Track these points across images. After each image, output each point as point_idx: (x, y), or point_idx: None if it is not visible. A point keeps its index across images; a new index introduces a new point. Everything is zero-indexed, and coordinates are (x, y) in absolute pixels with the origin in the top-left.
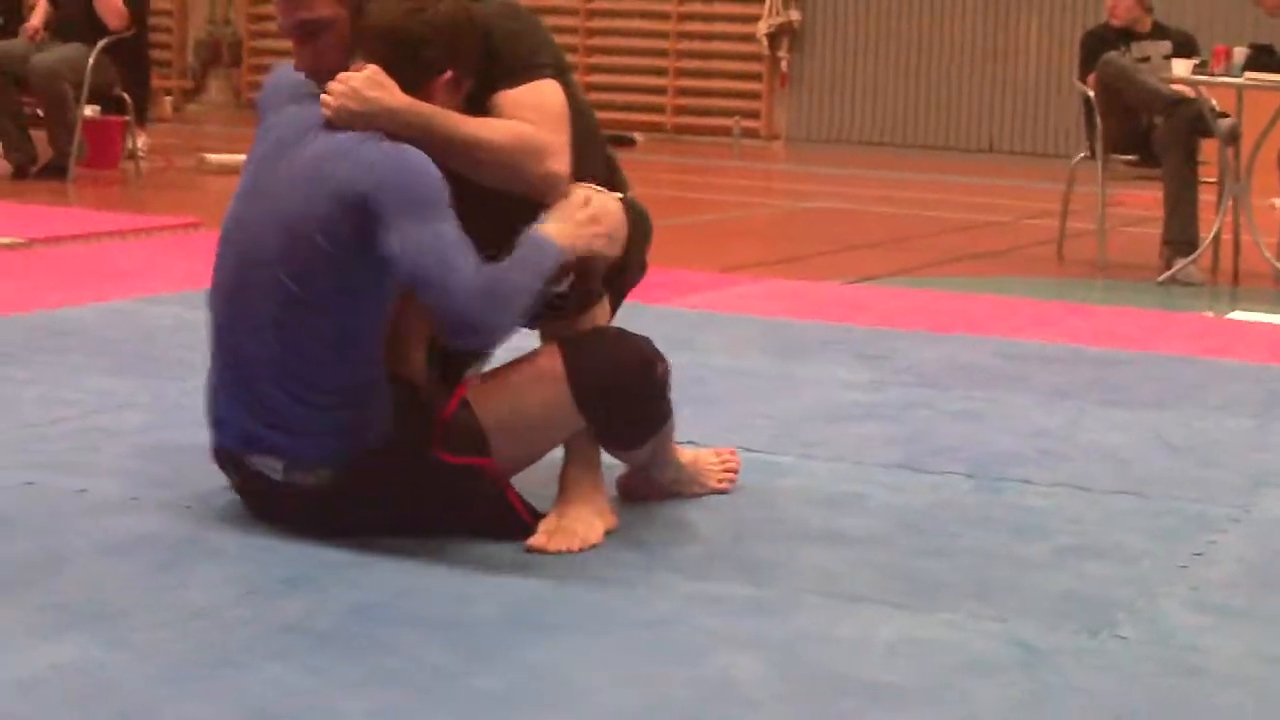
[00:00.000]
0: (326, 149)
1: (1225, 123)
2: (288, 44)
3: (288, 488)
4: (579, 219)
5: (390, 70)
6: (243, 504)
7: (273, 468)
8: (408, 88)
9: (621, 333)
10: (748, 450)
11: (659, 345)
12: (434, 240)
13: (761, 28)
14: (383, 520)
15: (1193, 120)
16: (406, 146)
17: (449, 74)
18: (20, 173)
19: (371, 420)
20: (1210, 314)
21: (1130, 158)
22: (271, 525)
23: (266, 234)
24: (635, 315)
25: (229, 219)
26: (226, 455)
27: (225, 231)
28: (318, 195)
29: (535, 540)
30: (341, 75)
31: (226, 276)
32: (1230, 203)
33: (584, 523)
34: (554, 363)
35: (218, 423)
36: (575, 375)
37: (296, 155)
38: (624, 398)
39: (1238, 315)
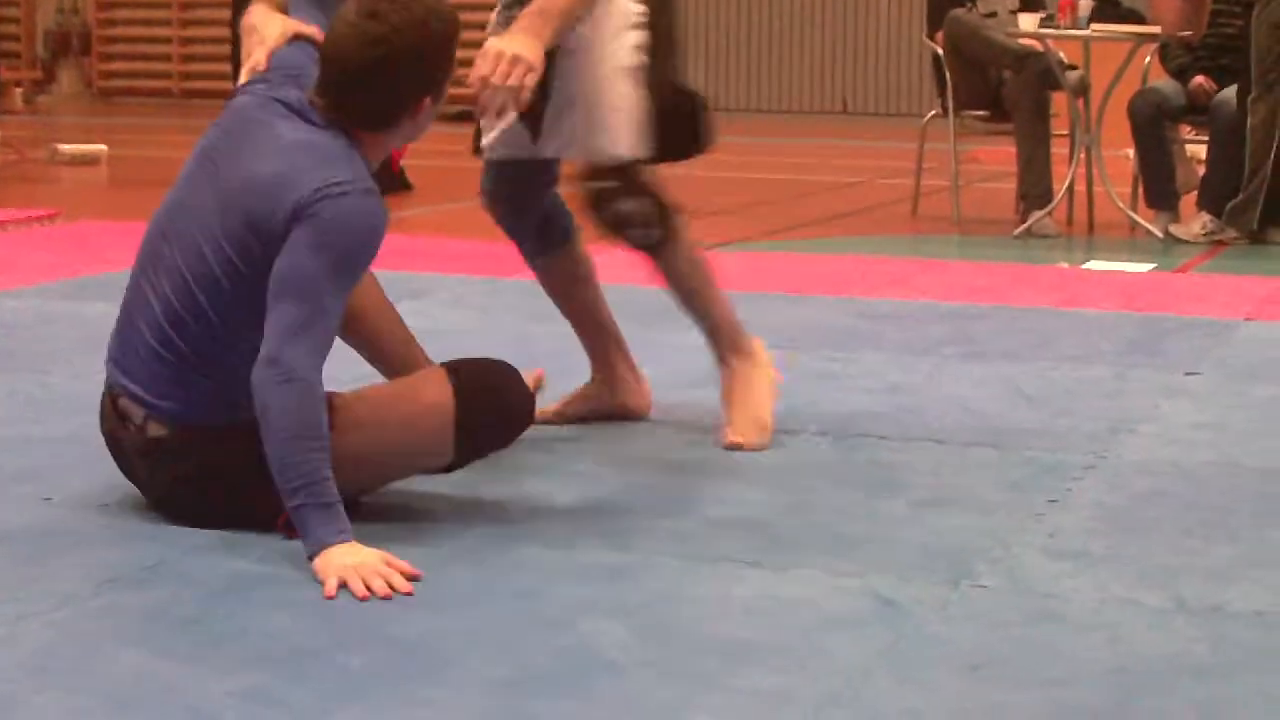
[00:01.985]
0: (280, 179)
1: (1073, 75)
2: (139, 32)
3: (139, 436)
4: None
5: (364, 113)
6: (102, 489)
7: (135, 414)
8: (382, 125)
9: (509, 372)
10: (607, 418)
11: (522, 317)
12: (313, 307)
13: None
14: (192, 494)
15: (1041, 74)
16: (372, 204)
17: (425, 100)
18: None
19: (234, 399)
20: (1066, 265)
21: (981, 113)
22: (135, 511)
23: (209, 203)
24: (497, 288)
25: (190, 164)
26: (107, 393)
27: (183, 175)
28: (259, 220)
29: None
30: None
31: (164, 213)
32: (1082, 154)
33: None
34: (443, 398)
35: (108, 358)
36: (464, 415)
37: (247, 156)
38: (502, 438)
39: (1093, 265)
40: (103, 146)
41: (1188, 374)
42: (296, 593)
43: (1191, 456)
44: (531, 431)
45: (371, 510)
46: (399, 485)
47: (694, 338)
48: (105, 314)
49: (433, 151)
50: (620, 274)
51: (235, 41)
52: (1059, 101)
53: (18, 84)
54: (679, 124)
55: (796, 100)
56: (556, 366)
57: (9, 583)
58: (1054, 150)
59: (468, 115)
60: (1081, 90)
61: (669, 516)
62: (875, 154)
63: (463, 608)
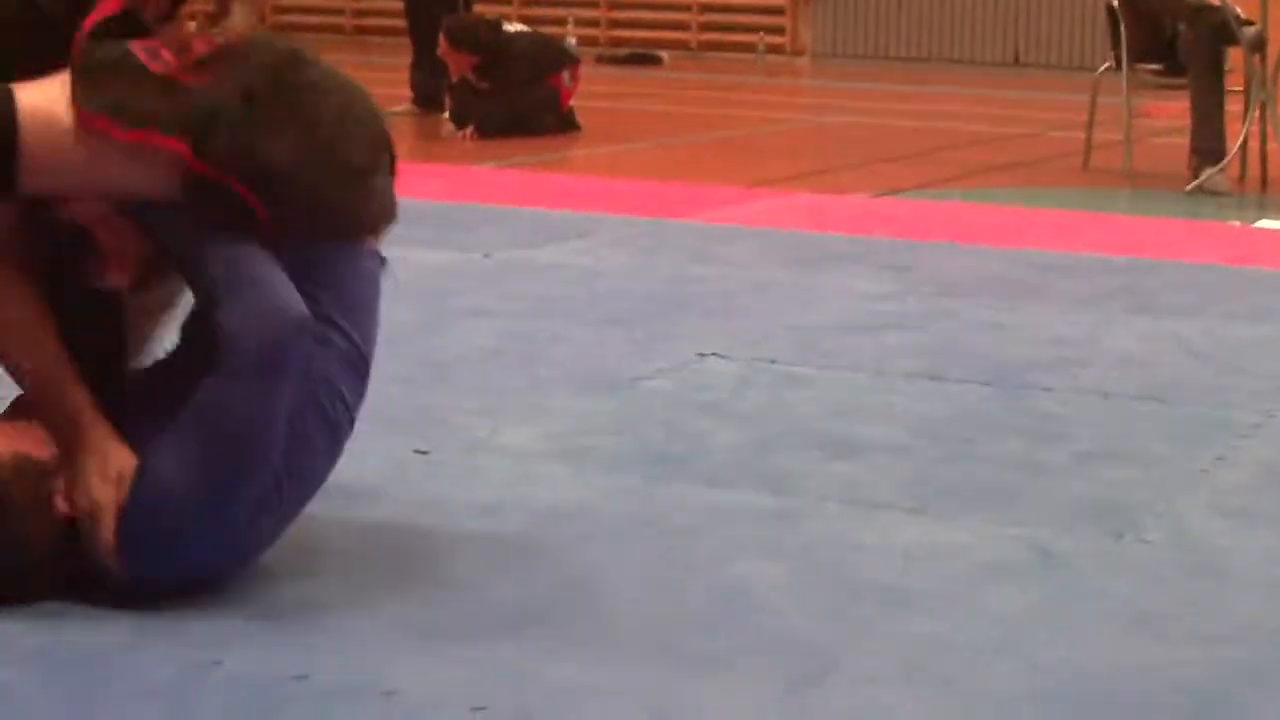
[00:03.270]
0: None
1: (1250, 30)
2: None
3: None
4: None
5: None
6: None
7: None
8: None
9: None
10: (770, 362)
11: (683, 259)
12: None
13: None
14: None
15: (1217, 28)
16: None
17: None
18: None
19: None
20: (1237, 222)
21: (1155, 67)
22: None
23: None
24: (660, 230)
25: None
26: None
27: None
28: None
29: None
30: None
31: None
32: (1256, 111)
33: None
34: None
35: None
36: None
37: None
38: None
39: (1265, 224)
40: None
41: None
42: (463, 523)
43: None
44: (688, 371)
45: (522, 441)
46: (558, 416)
47: (851, 283)
48: None
49: (601, 94)
50: (782, 219)
51: None
52: (1234, 56)
53: (192, 17)
54: None
55: (969, 50)
56: (718, 307)
57: None
58: (1228, 106)
59: (637, 58)
60: (1258, 45)
61: (831, 461)
62: (1047, 105)
63: (622, 544)
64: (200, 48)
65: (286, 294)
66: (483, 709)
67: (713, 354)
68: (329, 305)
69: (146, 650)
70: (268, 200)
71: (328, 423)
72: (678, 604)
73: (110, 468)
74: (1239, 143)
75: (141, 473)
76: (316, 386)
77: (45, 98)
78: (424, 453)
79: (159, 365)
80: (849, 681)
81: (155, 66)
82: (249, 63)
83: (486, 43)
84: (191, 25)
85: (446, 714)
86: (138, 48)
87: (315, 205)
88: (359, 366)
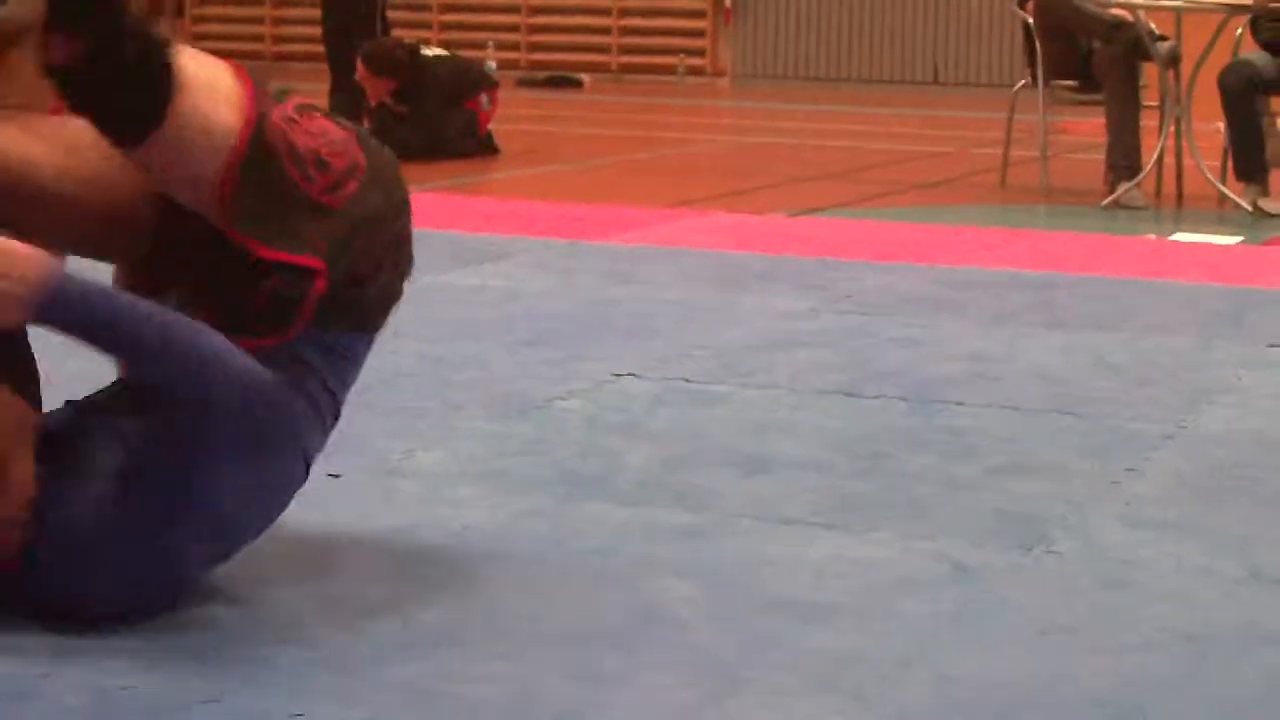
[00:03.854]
0: None
1: (1164, 46)
2: None
3: None
4: None
5: None
6: None
7: None
8: None
9: None
10: (685, 381)
11: (602, 279)
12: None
13: None
14: None
15: (1132, 44)
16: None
17: None
18: None
19: None
20: (1153, 236)
21: (1071, 83)
22: None
23: None
24: (578, 251)
25: None
26: None
27: None
28: None
29: None
30: None
31: None
32: (1172, 125)
33: None
34: None
35: None
36: None
37: None
38: None
39: (1180, 237)
40: None
41: (1271, 345)
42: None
43: (1272, 427)
44: (603, 392)
45: (435, 463)
46: (472, 438)
47: (768, 301)
48: None
49: (522, 116)
50: (701, 239)
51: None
52: (1149, 72)
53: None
54: None
55: (889, 70)
56: (635, 327)
57: None
58: (1143, 121)
59: (557, 81)
60: (1172, 61)
61: (745, 478)
62: (965, 124)
63: (534, 564)
64: (337, 165)
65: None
66: None
67: (628, 374)
68: (329, 376)
69: (60, 678)
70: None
71: (291, 479)
72: (591, 622)
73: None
74: (1155, 157)
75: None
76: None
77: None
78: (336, 476)
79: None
80: (759, 695)
81: (305, 187)
82: (373, 186)
83: (404, 67)
84: None
85: None
86: (290, 163)
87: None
88: (328, 429)
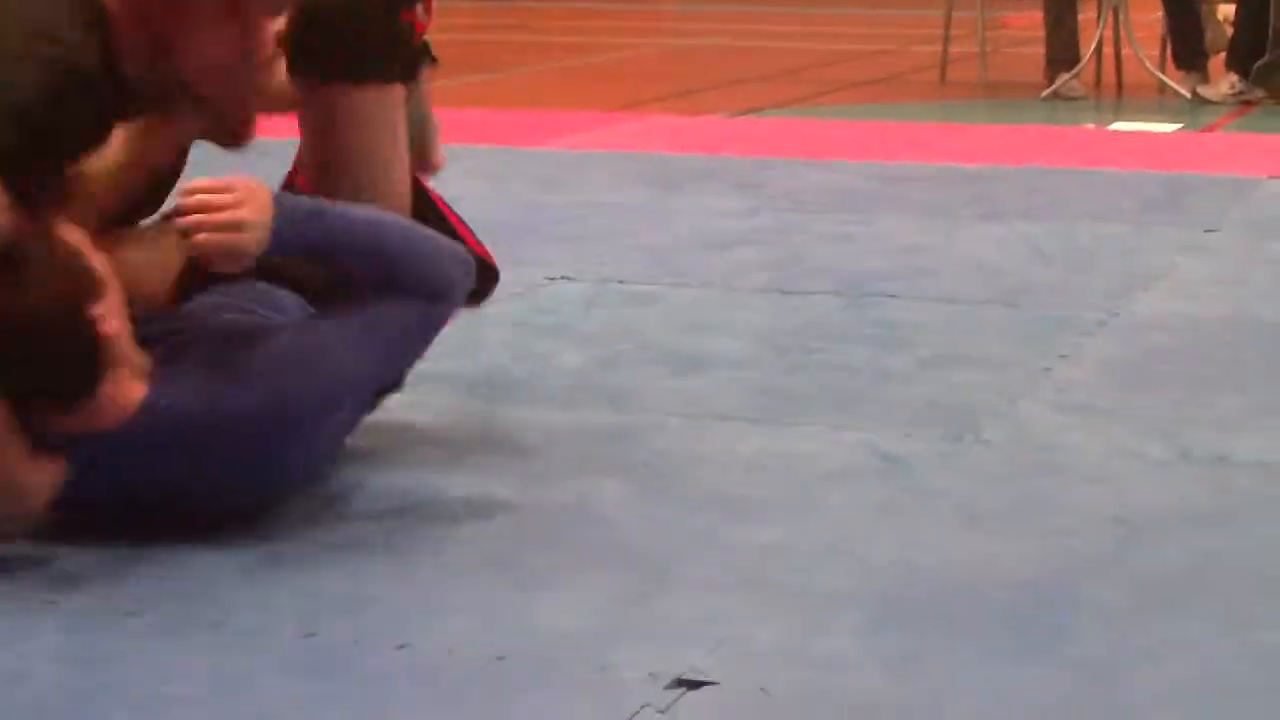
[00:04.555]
0: None
1: None
2: None
3: None
4: None
5: None
6: None
7: None
8: None
9: None
10: (619, 283)
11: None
12: None
13: None
14: None
15: None
16: None
17: None
18: None
19: None
20: (1092, 126)
21: None
22: None
23: None
24: (514, 158)
25: None
26: None
27: None
28: None
29: None
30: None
31: None
32: (1110, 16)
33: None
34: None
35: None
36: None
37: None
38: None
39: (1120, 126)
40: None
41: (1207, 231)
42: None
43: (1206, 311)
44: (535, 295)
45: None
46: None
47: (705, 201)
48: None
49: (460, 26)
50: (639, 142)
51: None
52: None
53: None
54: None
55: None
56: (569, 232)
57: None
58: (1082, 13)
59: None
60: None
61: (676, 377)
62: (904, 22)
63: (461, 465)
64: None
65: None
66: (313, 635)
67: (561, 277)
68: None
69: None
70: None
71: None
72: (517, 522)
73: None
74: (1093, 48)
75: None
76: None
77: None
78: None
79: None
80: (687, 590)
81: None
82: None
83: None
84: None
85: (275, 641)
86: None
87: None
88: None
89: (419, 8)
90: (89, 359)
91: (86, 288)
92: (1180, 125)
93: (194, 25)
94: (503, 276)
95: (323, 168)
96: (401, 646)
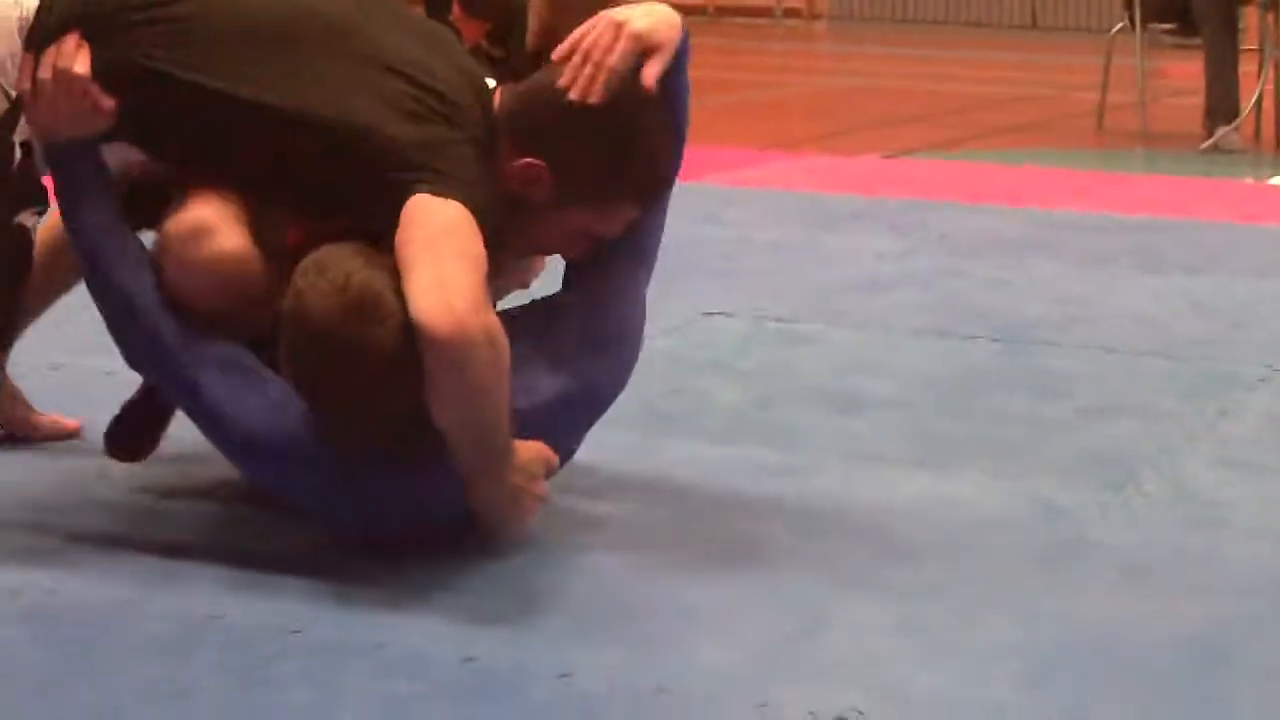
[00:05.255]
0: None
1: None
2: None
3: None
4: None
5: None
6: None
7: None
8: None
9: None
10: (776, 320)
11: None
12: None
13: None
14: None
15: None
16: None
17: None
18: None
19: None
20: (1251, 180)
21: (1169, 26)
22: None
23: None
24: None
25: None
26: None
27: None
28: None
29: None
30: None
31: None
32: (1270, 69)
33: None
34: None
35: None
36: None
37: None
38: None
39: (1278, 181)
40: None
41: None
42: None
43: None
44: (692, 330)
45: None
46: None
47: (861, 242)
48: None
49: None
50: (794, 180)
51: None
52: (1249, 15)
53: None
54: None
55: (986, 13)
56: (726, 267)
57: None
58: (1242, 65)
59: None
60: (1271, 3)
61: (834, 417)
62: (1064, 68)
63: (616, 498)
64: None
65: None
66: (473, 659)
67: (718, 313)
68: None
69: (146, 605)
70: None
71: None
72: (675, 557)
73: None
74: (1253, 101)
75: None
76: None
77: None
78: None
79: None
80: (845, 633)
81: None
82: None
83: (498, 8)
84: None
85: (436, 666)
86: None
87: None
88: None
89: None
90: None
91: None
92: None
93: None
94: (658, 309)
95: None
96: (562, 676)
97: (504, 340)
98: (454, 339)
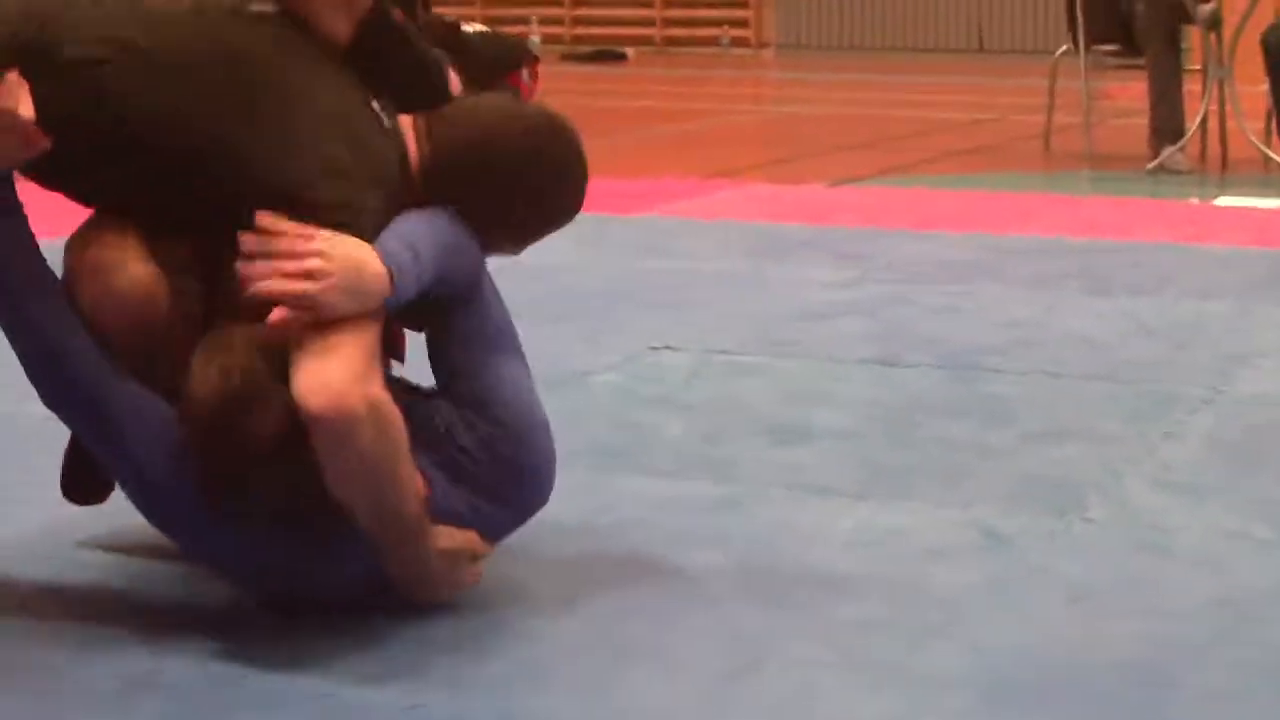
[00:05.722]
0: None
1: (1205, 8)
2: None
3: None
4: None
5: None
6: None
7: None
8: None
9: None
10: (722, 353)
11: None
12: None
13: None
14: None
15: (1173, 6)
16: None
17: None
18: None
19: None
20: (1196, 200)
21: (1113, 47)
22: None
23: None
24: (614, 224)
25: None
26: None
27: None
28: None
29: None
30: None
31: None
32: (1215, 88)
33: None
34: None
35: None
36: None
37: None
38: None
39: (1224, 201)
40: None
41: None
42: None
43: None
44: (638, 364)
45: None
46: None
47: (807, 272)
48: None
49: (566, 90)
50: (739, 210)
51: None
52: (1192, 35)
53: None
54: None
55: (932, 38)
56: (672, 299)
57: None
58: (1187, 85)
59: (604, 55)
60: (1214, 23)
61: (779, 448)
62: (1010, 91)
63: (564, 540)
64: None
65: None
66: (419, 706)
67: (665, 347)
68: None
69: (84, 664)
70: None
71: None
72: (616, 594)
73: None
74: (1198, 121)
75: None
76: None
77: None
78: None
79: None
80: (786, 667)
81: None
82: None
83: (444, 43)
84: None
85: (380, 713)
86: None
87: None
88: None
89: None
90: None
91: None
92: None
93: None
94: (605, 344)
95: None
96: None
97: (391, 411)
98: (329, 415)
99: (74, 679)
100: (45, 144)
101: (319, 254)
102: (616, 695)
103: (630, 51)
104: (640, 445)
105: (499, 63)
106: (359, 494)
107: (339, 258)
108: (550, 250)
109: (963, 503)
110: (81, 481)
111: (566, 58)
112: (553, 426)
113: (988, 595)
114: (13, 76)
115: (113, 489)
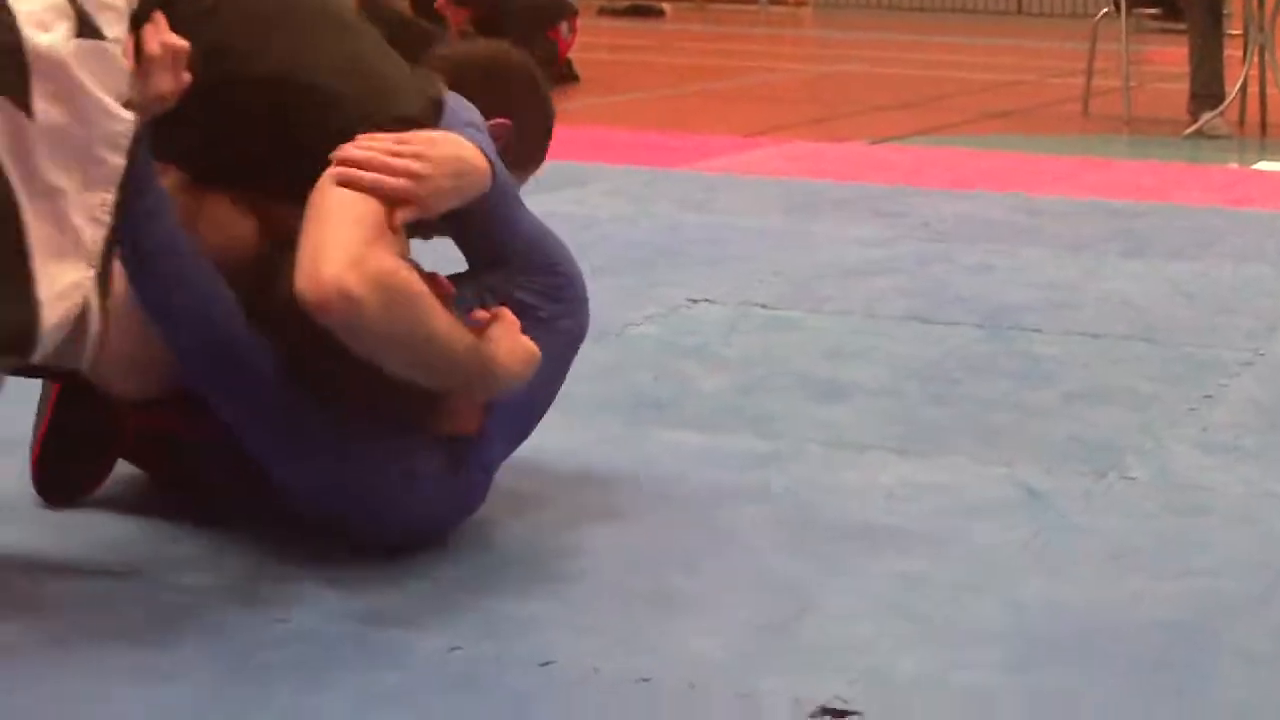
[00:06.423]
0: None
1: None
2: None
3: None
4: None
5: None
6: None
7: None
8: None
9: None
10: (761, 307)
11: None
12: None
13: None
14: None
15: None
16: None
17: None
18: None
19: None
20: (1236, 165)
21: (1154, 11)
22: None
23: None
24: (656, 179)
25: None
26: None
27: None
28: None
29: None
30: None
31: None
32: (1255, 54)
33: None
34: None
35: None
36: None
37: None
38: None
39: (1263, 166)
40: None
41: None
42: None
43: None
44: (677, 317)
45: None
46: None
47: (846, 229)
48: None
49: (602, 45)
50: (778, 167)
51: None
52: (1233, 0)
53: None
54: None
55: None
56: (711, 254)
57: None
58: (1227, 50)
59: (639, 9)
60: None
61: (818, 404)
62: (1049, 54)
63: (600, 487)
64: None
65: None
66: (457, 649)
67: (703, 299)
68: None
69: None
70: None
71: None
72: (658, 546)
73: None
74: (1238, 86)
75: None
76: None
77: None
78: None
79: None
80: (826, 619)
81: None
82: None
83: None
84: None
85: (419, 656)
86: None
87: None
88: None
89: (563, 26)
90: None
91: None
92: None
93: None
94: (644, 296)
95: None
96: (544, 664)
97: (402, 279)
98: (326, 304)
99: (111, 610)
100: (188, 80)
101: (418, 155)
102: (656, 642)
103: (667, 7)
104: (680, 398)
105: (540, 16)
106: (402, 365)
107: (438, 155)
108: (592, 204)
109: (1003, 460)
110: (61, 476)
111: (603, 12)
112: (592, 378)
113: (1027, 552)
114: (160, 16)
115: (98, 482)
